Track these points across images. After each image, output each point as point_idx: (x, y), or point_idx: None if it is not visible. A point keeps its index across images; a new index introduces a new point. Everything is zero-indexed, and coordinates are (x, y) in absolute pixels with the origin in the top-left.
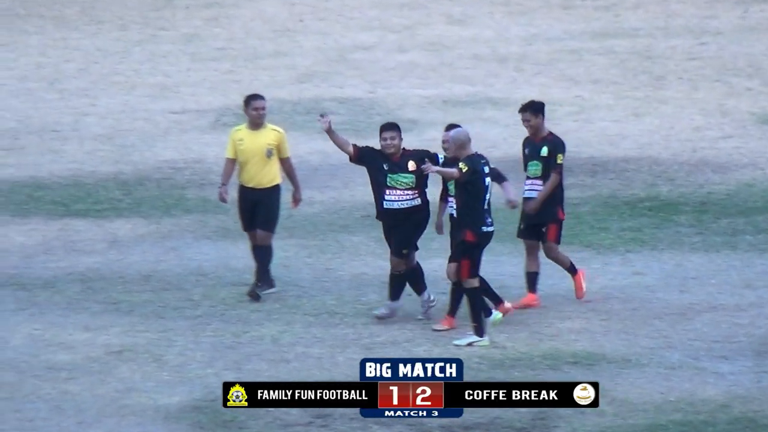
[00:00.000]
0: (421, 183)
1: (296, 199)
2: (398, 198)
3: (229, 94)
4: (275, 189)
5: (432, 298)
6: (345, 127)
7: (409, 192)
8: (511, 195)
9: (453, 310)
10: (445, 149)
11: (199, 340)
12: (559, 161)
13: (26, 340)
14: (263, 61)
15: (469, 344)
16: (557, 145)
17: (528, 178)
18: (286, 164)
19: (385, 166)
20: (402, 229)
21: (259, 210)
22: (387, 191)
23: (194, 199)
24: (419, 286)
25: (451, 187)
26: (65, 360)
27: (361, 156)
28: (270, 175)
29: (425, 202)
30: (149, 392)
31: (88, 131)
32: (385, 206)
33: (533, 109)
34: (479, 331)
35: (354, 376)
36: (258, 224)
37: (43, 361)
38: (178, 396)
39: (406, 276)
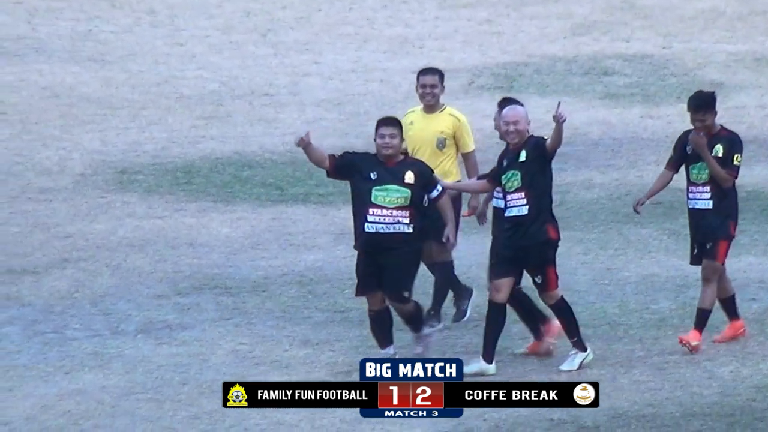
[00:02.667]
0: (416, 203)
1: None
2: (382, 219)
3: (487, 49)
4: None
5: (429, 331)
6: (632, 90)
7: (399, 213)
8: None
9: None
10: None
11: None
12: (736, 162)
13: (230, 358)
14: (529, 8)
15: (580, 365)
16: (734, 142)
17: (692, 183)
18: (468, 161)
19: (372, 176)
20: (392, 268)
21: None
22: (370, 210)
23: None
24: (418, 324)
25: (514, 180)
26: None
27: (340, 167)
28: (442, 170)
29: (419, 232)
30: (383, 422)
31: (309, 95)
32: (365, 229)
33: (707, 107)
34: (581, 346)
35: (640, 402)
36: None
37: None
38: (419, 427)
39: (409, 316)
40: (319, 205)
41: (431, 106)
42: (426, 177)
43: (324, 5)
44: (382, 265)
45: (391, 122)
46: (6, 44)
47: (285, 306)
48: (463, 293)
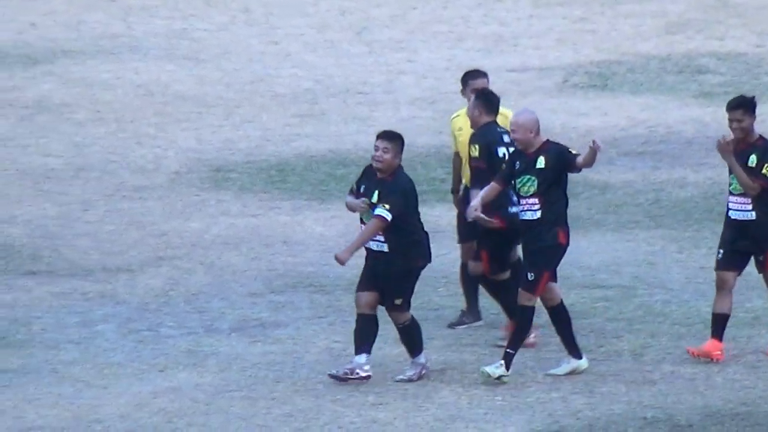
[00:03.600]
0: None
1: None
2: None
3: (581, 47)
4: None
5: (429, 365)
6: (726, 89)
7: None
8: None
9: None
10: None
11: (541, 355)
12: (765, 171)
13: (324, 356)
14: (624, 7)
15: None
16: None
17: (731, 194)
18: None
19: (362, 188)
20: (385, 281)
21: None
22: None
23: None
24: (416, 346)
25: (529, 185)
26: (372, 381)
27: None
28: None
29: (396, 250)
30: (477, 421)
31: (403, 93)
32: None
33: (746, 107)
34: (509, 361)
35: (734, 400)
36: (474, 237)
37: (345, 382)
38: (513, 426)
39: (406, 329)
40: None
41: None
42: (383, 196)
43: (419, 3)
44: (378, 279)
45: (388, 136)
46: (102, 42)
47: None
48: (473, 311)
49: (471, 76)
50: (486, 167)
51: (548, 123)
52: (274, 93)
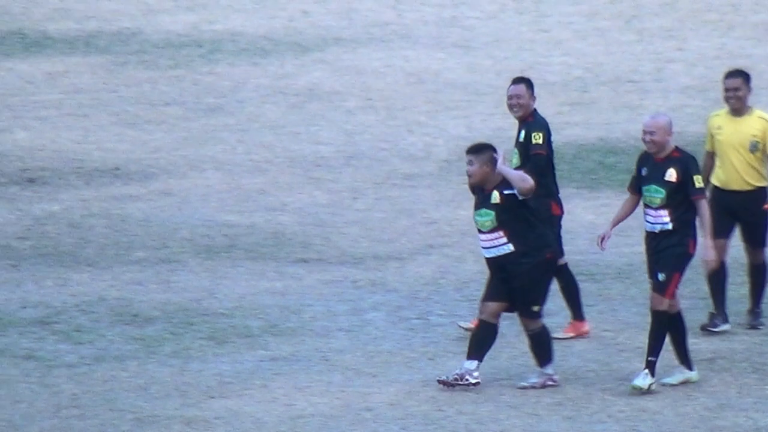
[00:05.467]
0: (505, 221)
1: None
2: (486, 245)
3: None
4: (761, 193)
5: (557, 378)
6: None
7: (493, 235)
8: None
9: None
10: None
11: None
12: None
13: (594, 344)
14: None
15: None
16: None
17: None
18: None
19: (474, 202)
20: (519, 287)
21: (739, 219)
22: (478, 234)
23: None
24: (546, 355)
25: (656, 197)
26: (638, 368)
27: (474, 189)
28: (754, 175)
29: (527, 247)
30: (747, 410)
31: (673, 82)
32: (483, 254)
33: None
34: (653, 367)
35: None
36: (745, 238)
37: (615, 371)
38: None
39: (536, 338)
40: None
41: (737, 109)
42: (507, 196)
43: None
44: (510, 286)
45: (470, 150)
46: (373, 30)
47: (648, 293)
48: (721, 312)
49: (725, 76)
50: (547, 154)
51: None
52: (544, 81)
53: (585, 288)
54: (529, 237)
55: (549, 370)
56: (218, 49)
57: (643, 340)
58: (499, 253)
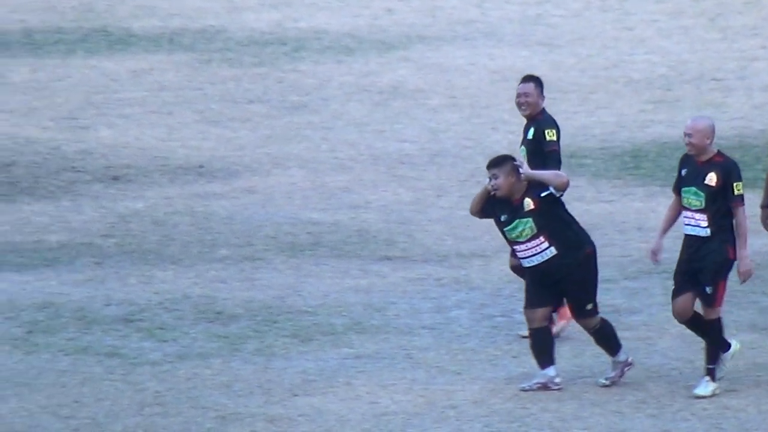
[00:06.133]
0: (544, 225)
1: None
2: (528, 254)
3: None
4: None
5: (630, 360)
6: None
7: (533, 243)
8: None
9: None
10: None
11: None
12: None
13: (677, 342)
14: None
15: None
16: None
17: None
18: None
19: (502, 218)
20: (570, 289)
21: None
22: (515, 247)
23: None
24: (614, 344)
25: (695, 199)
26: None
27: (485, 210)
28: None
29: (567, 247)
30: None
31: (757, 80)
32: (524, 264)
33: None
34: (714, 374)
35: None
36: None
37: (699, 368)
38: None
39: (599, 333)
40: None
41: None
42: (544, 198)
43: None
44: (561, 288)
45: (491, 164)
46: (457, 28)
47: (734, 291)
48: None
49: None
50: (559, 150)
51: None
52: (628, 79)
53: (669, 286)
54: (568, 236)
55: (621, 357)
56: (303, 47)
57: (727, 337)
58: (543, 259)
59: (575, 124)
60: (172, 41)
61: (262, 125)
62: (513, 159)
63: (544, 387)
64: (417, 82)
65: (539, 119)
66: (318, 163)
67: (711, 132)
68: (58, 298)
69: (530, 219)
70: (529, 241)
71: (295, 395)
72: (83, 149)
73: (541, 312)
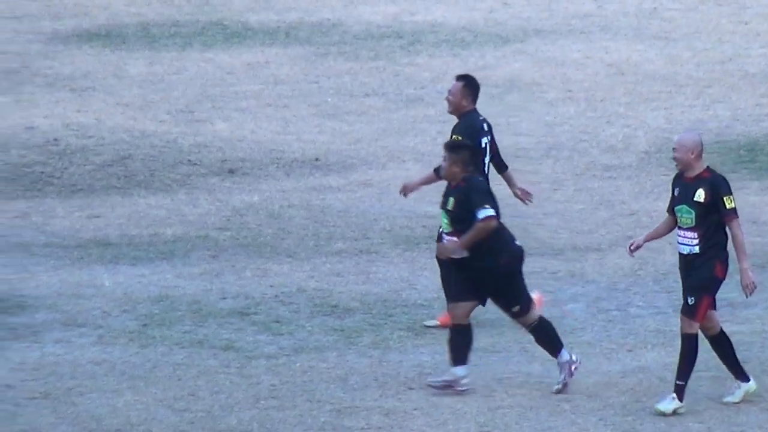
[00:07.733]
0: (458, 221)
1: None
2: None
3: None
4: None
5: (575, 358)
6: None
7: (453, 237)
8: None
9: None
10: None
11: None
12: None
13: None
14: None
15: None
16: None
17: None
18: None
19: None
20: (490, 289)
21: None
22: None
23: None
24: (553, 345)
25: (687, 217)
26: None
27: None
28: None
29: (483, 251)
30: None
31: None
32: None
33: None
34: (682, 392)
35: None
36: None
37: None
38: None
39: (535, 332)
40: None
41: None
42: (469, 202)
43: None
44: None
45: (446, 145)
46: (573, 22)
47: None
48: None
49: None
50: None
51: None
52: (744, 72)
53: None
54: (483, 241)
55: (564, 357)
56: (418, 41)
57: None
58: (461, 255)
59: (691, 118)
60: (288, 35)
61: (378, 118)
62: (468, 150)
63: (449, 386)
64: (533, 75)
65: (459, 121)
66: (433, 156)
67: (696, 147)
68: (173, 291)
69: (448, 215)
70: (449, 234)
71: (411, 388)
72: (199, 142)
73: (462, 307)
